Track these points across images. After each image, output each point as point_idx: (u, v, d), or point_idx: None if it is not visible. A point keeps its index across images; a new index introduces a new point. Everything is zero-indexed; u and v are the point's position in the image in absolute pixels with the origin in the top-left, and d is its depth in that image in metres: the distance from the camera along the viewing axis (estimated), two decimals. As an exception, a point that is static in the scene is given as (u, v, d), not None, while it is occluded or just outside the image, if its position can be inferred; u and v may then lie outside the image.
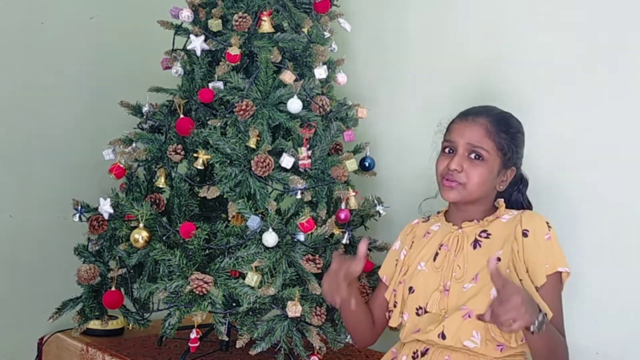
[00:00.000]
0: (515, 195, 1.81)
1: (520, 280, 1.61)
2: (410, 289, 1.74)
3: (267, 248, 1.94)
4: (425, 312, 1.69)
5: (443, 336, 1.64)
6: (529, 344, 1.56)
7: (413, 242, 1.82)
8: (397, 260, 1.84)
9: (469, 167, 1.67)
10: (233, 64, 2.06)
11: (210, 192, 2.00)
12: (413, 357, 1.71)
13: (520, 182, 1.81)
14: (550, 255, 1.62)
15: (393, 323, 1.79)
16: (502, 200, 1.74)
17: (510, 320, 1.40)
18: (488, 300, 1.58)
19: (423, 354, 1.68)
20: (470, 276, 1.65)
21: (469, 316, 1.62)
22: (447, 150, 1.72)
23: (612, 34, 1.96)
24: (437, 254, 1.73)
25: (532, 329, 1.44)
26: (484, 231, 1.70)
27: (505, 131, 1.70)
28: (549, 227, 1.64)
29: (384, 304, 1.84)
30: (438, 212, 1.84)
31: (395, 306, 1.78)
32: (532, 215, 1.67)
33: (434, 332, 1.65)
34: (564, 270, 1.62)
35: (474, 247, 1.68)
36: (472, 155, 1.68)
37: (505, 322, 1.40)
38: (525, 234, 1.63)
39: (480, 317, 1.46)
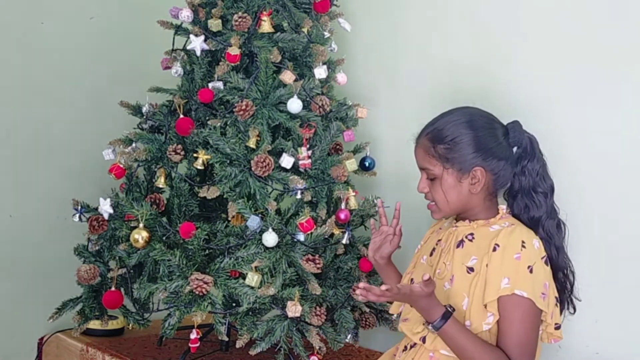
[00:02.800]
0: (525, 180, 1.70)
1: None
2: (412, 281, 1.77)
3: (267, 248, 1.94)
4: None
5: (424, 340, 1.65)
6: None
7: (429, 236, 1.85)
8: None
9: (431, 187, 1.70)
10: (233, 64, 2.06)
11: (210, 192, 2.00)
12: (404, 350, 1.74)
13: (519, 160, 1.70)
14: (513, 275, 1.55)
15: (392, 310, 1.85)
16: (503, 207, 1.70)
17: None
18: (461, 307, 1.60)
19: (412, 347, 1.71)
20: (449, 275, 1.65)
21: None
22: None
23: (610, 34, 1.96)
24: (434, 249, 1.75)
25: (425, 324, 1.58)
26: (471, 234, 1.68)
27: (442, 139, 1.66)
28: (522, 246, 1.58)
29: None
30: None
31: None
32: (511, 232, 1.61)
33: (417, 336, 1.66)
34: (521, 295, 1.54)
35: (458, 247, 1.69)
36: (428, 177, 1.70)
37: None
38: (495, 249, 1.59)
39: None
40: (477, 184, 1.66)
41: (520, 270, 1.56)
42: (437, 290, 1.65)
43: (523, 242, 1.59)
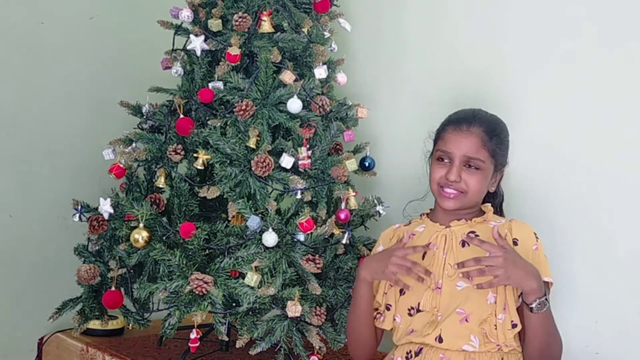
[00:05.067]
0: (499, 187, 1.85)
1: (505, 287, 1.64)
2: (401, 291, 1.74)
3: (267, 248, 1.94)
4: (418, 311, 1.70)
5: (440, 339, 1.65)
6: (527, 328, 1.61)
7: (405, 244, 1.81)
8: None
9: (467, 176, 1.70)
10: (233, 64, 2.06)
11: (210, 192, 2.00)
12: (406, 358, 1.71)
13: None
14: (537, 265, 1.64)
15: (387, 326, 1.78)
16: (490, 205, 1.78)
17: (493, 274, 1.52)
18: (485, 303, 1.61)
19: (417, 354, 1.69)
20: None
21: (467, 320, 1.63)
22: (442, 159, 1.73)
23: (608, 39, 1.96)
24: (425, 253, 1.74)
25: (532, 306, 1.54)
26: (472, 231, 1.71)
27: (496, 137, 1.73)
28: (536, 237, 1.70)
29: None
30: (421, 215, 1.85)
31: (388, 309, 1.77)
32: (521, 225, 1.71)
33: (430, 336, 1.66)
34: (549, 280, 1.65)
35: (463, 246, 1.70)
36: (469, 165, 1.70)
37: (487, 272, 1.53)
38: (515, 243, 1.67)
39: (460, 265, 1.57)
40: (493, 184, 1.76)
41: (541, 259, 1.67)
42: (450, 290, 1.67)
43: (535, 233, 1.70)
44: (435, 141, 1.79)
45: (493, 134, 1.72)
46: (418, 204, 1.94)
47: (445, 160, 1.72)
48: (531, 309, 1.56)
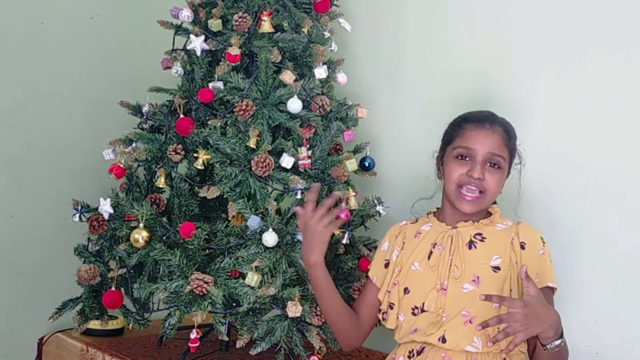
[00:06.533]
0: None
1: (511, 290, 1.64)
2: (406, 290, 1.74)
3: (267, 248, 1.94)
4: (422, 311, 1.69)
5: (443, 340, 1.64)
6: (538, 352, 1.59)
7: (404, 242, 1.81)
8: (386, 260, 1.83)
9: (488, 175, 1.68)
10: (233, 64, 2.06)
11: (210, 192, 2.00)
12: (409, 357, 1.71)
13: None
14: (542, 270, 1.65)
15: (390, 325, 1.78)
16: (496, 206, 1.76)
17: (515, 332, 1.47)
18: (490, 306, 1.60)
19: (419, 353, 1.69)
20: (469, 277, 1.66)
21: (471, 322, 1.63)
22: (461, 157, 1.70)
23: (610, 40, 1.96)
24: (431, 253, 1.73)
25: (547, 346, 1.52)
26: (479, 234, 1.71)
27: (513, 139, 1.74)
28: (543, 242, 1.70)
29: (372, 304, 1.83)
30: (427, 214, 1.84)
31: (392, 308, 1.77)
32: (528, 229, 1.71)
33: (434, 336, 1.65)
34: (553, 286, 1.67)
35: (470, 248, 1.69)
36: (490, 164, 1.69)
37: (509, 332, 1.47)
38: (522, 246, 1.67)
39: (484, 325, 1.50)
40: (502, 187, 1.74)
41: (547, 264, 1.67)
42: (456, 292, 1.66)
43: (542, 237, 1.69)
44: (450, 140, 1.74)
45: (510, 135, 1.72)
46: (425, 202, 1.93)
47: (467, 159, 1.69)
48: (545, 348, 1.53)
